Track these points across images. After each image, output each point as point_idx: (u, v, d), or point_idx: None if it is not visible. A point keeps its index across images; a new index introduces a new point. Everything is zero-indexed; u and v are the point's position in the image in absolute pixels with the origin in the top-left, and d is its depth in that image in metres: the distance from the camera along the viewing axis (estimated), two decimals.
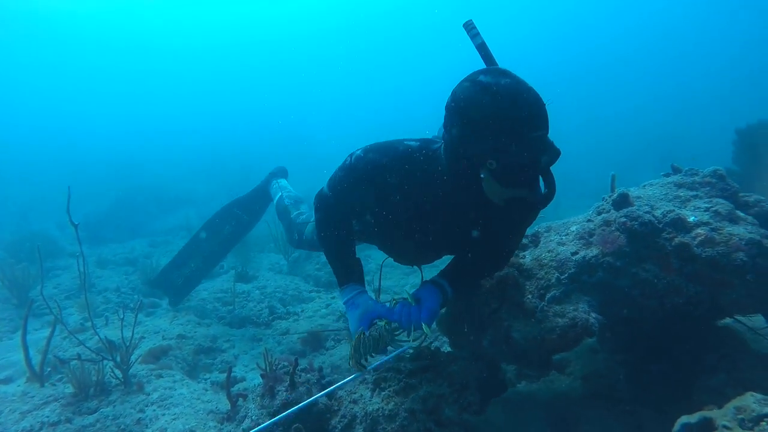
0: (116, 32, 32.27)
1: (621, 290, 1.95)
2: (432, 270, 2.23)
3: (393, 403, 1.88)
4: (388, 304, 1.83)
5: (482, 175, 1.45)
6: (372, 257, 5.27)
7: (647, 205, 2.10)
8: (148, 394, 2.41)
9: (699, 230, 1.89)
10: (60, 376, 2.64)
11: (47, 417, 2.17)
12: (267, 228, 5.91)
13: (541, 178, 1.49)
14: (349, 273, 1.86)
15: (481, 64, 1.66)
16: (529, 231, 2.46)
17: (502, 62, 1.70)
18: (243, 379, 2.95)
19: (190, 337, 3.40)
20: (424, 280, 2.25)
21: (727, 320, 2.28)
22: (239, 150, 17.98)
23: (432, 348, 2.14)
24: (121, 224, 8.51)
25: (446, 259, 2.15)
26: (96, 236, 7.35)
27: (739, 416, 1.35)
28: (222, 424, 2.21)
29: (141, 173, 13.82)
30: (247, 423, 1.93)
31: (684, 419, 1.44)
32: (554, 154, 1.41)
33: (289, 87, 41.45)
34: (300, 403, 1.90)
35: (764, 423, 1.31)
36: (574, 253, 2.08)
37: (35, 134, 26.58)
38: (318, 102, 39.91)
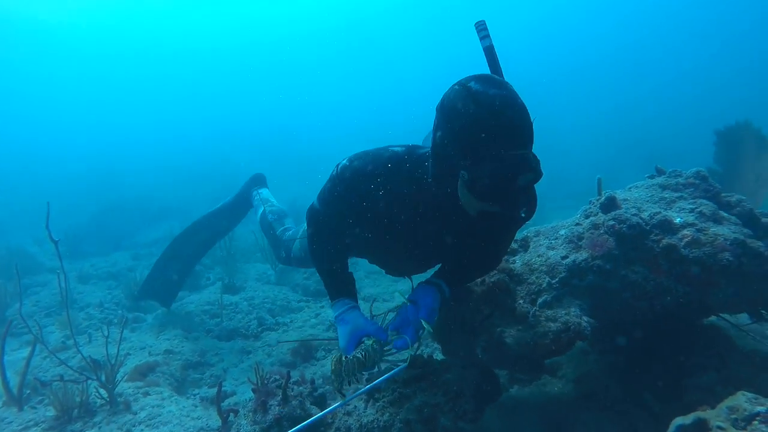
0: (91, 41, 31.82)
1: (612, 293, 1.97)
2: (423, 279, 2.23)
3: (388, 413, 1.86)
4: (384, 316, 1.80)
5: (459, 183, 1.42)
6: (359, 263, 5.24)
7: (634, 207, 2.13)
8: (136, 413, 2.35)
9: (685, 231, 1.92)
10: (40, 398, 2.55)
11: None
12: (253, 237, 5.84)
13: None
14: (340, 288, 1.84)
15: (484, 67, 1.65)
16: (518, 236, 2.47)
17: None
18: (233, 394, 2.89)
19: (177, 352, 3.32)
20: (413, 288, 2.24)
21: (713, 318, 2.33)
22: (221, 158, 17.81)
23: (425, 356, 2.13)
24: (102, 237, 8.32)
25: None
26: (76, 250, 7.16)
27: (733, 416, 1.36)
28: None
29: (121, 184, 13.54)
30: None
31: (679, 420, 1.45)
32: (535, 175, 1.33)
33: (273, 92, 41.30)
34: (292, 418, 1.88)
35: (756, 422, 1.33)
36: (564, 257, 2.09)
37: (8, 145, 25.77)
38: (303, 107, 39.81)
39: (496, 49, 1.69)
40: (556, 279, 2.03)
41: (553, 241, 2.27)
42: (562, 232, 2.30)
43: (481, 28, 1.68)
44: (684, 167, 2.54)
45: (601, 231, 2.10)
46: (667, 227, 1.98)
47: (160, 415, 2.35)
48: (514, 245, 2.43)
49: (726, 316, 2.28)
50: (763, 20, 31.10)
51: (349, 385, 1.74)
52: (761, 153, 3.44)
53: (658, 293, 1.89)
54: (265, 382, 2.17)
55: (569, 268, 2.03)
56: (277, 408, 1.95)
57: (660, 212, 2.04)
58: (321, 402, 2.13)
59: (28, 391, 2.54)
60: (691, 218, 2.00)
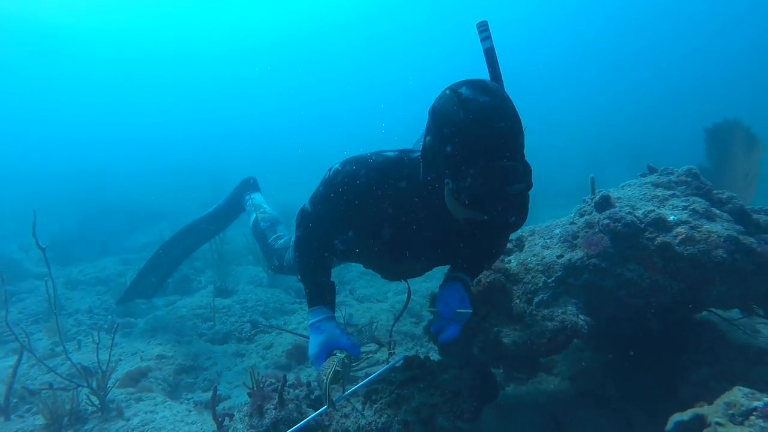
0: (79, 42, 31.30)
1: (607, 291, 1.98)
2: (418, 284, 2.22)
3: (386, 415, 1.84)
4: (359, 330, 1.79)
5: (445, 189, 1.40)
6: (352, 264, 5.22)
7: (628, 205, 2.15)
8: (128, 420, 2.30)
9: (679, 229, 1.93)
10: (28, 406, 2.49)
11: None
12: (245, 240, 5.79)
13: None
14: (321, 295, 1.81)
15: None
16: (512, 235, 2.47)
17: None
18: (228, 397, 2.85)
19: (169, 356, 3.27)
20: (409, 290, 2.23)
21: (705, 313, 2.35)
22: (211, 162, 17.66)
23: (422, 357, 2.12)
24: (90, 242, 8.18)
25: (434, 272, 2.13)
26: (64, 255, 7.03)
27: (730, 411, 1.37)
28: None
29: (109, 188, 13.34)
30: None
31: (677, 417, 1.46)
32: (524, 185, 1.29)
33: (265, 95, 41.05)
34: (289, 422, 1.85)
35: (753, 417, 1.34)
36: (559, 256, 2.10)
37: None
38: (295, 110, 39.62)
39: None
40: (552, 278, 2.03)
41: (548, 240, 2.28)
42: (557, 231, 2.31)
43: (483, 29, 1.64)
44: (669, 164, 2.57)
45: (596, 230, 2.12)
46: (661, 225, 1.99)
47: (153, 421, 2.31)
48: (509, 245, 2.43)
49: (717, 311, 2.31)
50: (750, 17, 31.60)
51: (328, 395, 1.68)
52: (750, 150, 3.49)
53: (654, 291, 1.91)
54: (261, 385, 2.14)
55: (565, 267, 2.04)
56: (273, 412, 1.92)
57: (654, 210, 2.05)
58: (318, 405, 2.11)
59: (15, 400, 2.48)
60: (684, 216, 2.01)
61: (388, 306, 4.23)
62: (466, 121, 1.25)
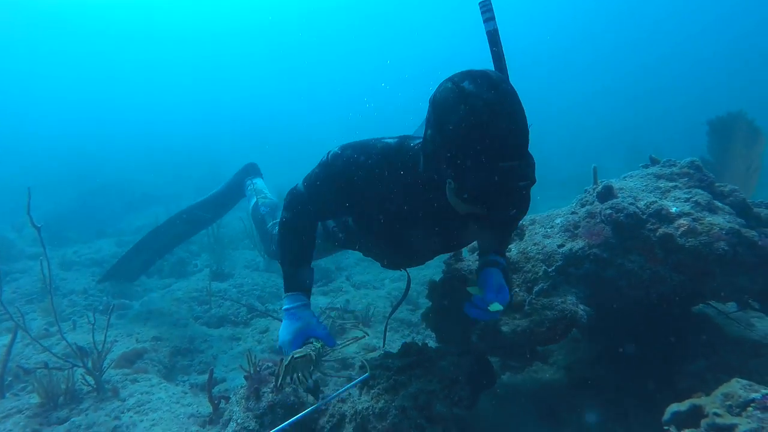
0: (74, 15, 30.56)
1: (607, 281, 1.98)
2: (416, 271, 2.19)
3: (383, 401, 1.84)
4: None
5: (447, 185, 1.37)
6: (349, 251, 5.21)
7: (630, 196, 2.13)
8: (124, 400, 2.30)
9: (681, 221, 1.92)
10: (23, 385, 2.48)
11: (10, 431, 2.03)
12: (241, 224, 5.76)
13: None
14: (300, 281, 1.77)
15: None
16: None
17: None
18: (223, 380, 2.85)
19: (165, 338, 3.26)
20: (408, 279, 2.20)
21: (701, 306, 2.36)
22: (208, 144, 17.49)
23: (420, 344, 2.12)
24: (84, 224, 8.11)
25: (433, 260, 2.11)
26: (58, 236, 6.97)
27: (728, 403, 1.38)
28: (204, 428, 2.13)
29: (102, 169, 13.16)
30: (232, 426, 1.86)
31: (674, 407, 1.47)
32: (527, 183, 1.25)
33: (262, 77, 40.58)
34: (286, 406, 1.85)
35: (751, 408, 1.34)
36: (560, 246, 2.09)
37: None
38: (291, 93, 39.18)
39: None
40: (553, 267, 2.03)
41: (548, 230, 2.27)
42: (558, 220, 2.30)
43: (486, 9, 1.56)
44: (668, 157, 2.56)
45: (598, 220, 2.11)
46: (663, 216, 1.98)
47: (149, 402, 2.31)
48: None
49: (714, 303, 2.31)
50: (749, 8, 31.30)
51: (297, 383, 1.68)
52: (753, 143, 3.48)
53: (654, 282, 1.90)
54: (258, 369, 2.14)
55: (566, 257, 2.04)
56: (270, 395, 1.92)
57: (656, 201, 2.04)
58: (314, 390, 2.10)
59: (9, 379, 2.47)
60: (686, 208, 2.01)
61: (384, 293, 4.23)
62: (469, 120, 1.19)
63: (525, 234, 2.34)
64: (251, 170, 3.67)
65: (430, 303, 2.44)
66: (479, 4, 1.58)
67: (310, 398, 2.00)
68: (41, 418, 2.12)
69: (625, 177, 2.56)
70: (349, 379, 1.87)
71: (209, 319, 3.82)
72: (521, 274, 2.09)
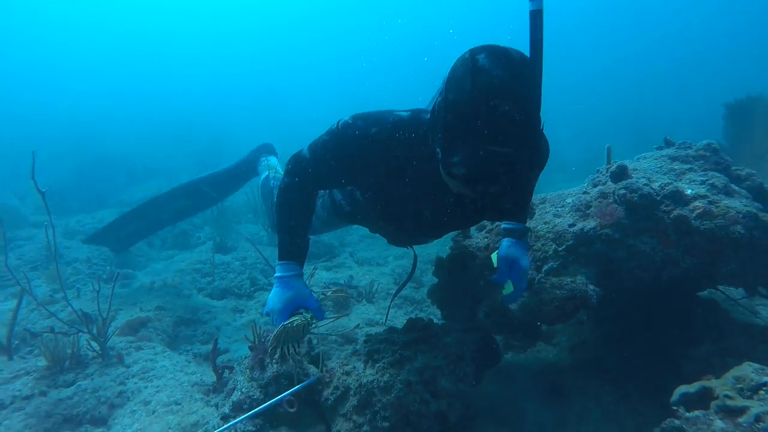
0: None
1: (618, 262, 1.95)
2: (422, 248, 2.16)
3: (388, 374, 1.84)
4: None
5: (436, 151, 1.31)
6: (353, 227, 5.19)
7: (644, 177, 2.09)
8: (129, 367, 2.31)
9: (697, 203, 1.89)
10: (29, 348, 2.50)
11: (19, 391, 2.05)
12: (245, 198, 5.73)
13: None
14: (295, 250, 1.74)
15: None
16: None
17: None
18: (226, 351, 2.87)
19: (169, 308, 3.27)
20: (415, 257, 2.16)
21: (708, 291, 2.34)
22: (208, 120, 17.27)
23: (425, 319, 2.12)
24: (86, 194, 8.10)
25: (444, 237, 2.07)
26: (61, 206, 6.97)
27: (739, 386, 1.37)
28: (208, 396, 2.14)
29: (103, 141, 13.04)
30: (236, 395, 1.87)
31: (683, 389, 1.46)
32: (524, 177, 1.19)
33: (267, 52, 39.88)
34: (288, 376, 1.85)
35: (763, 391, 1.33)
36: (571, 225, 2.06)
37: None
38: (297, 68, 38.47)
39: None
40: (563, 246, 2.00)
41: (559, 209, 2.23)
42: (569, 200, 2.26)
43: None
44: (675, 140, 2.50)
45: (610, 200, 2.07)
46: (678, 198, 1.94)
47: (153, 369, 2.32)
48: None
49: (723, 288, 2.30)
50: None
51: (288, 352, 1.68)
52: None
53: (666, 264, 1.88)
54: (263, 340, 2.14)
55: (576, 236, 2.01)
56: (275, 366, 1.92)
57: (671, 183, 2.00)
58: (318, 361, 2.11)
59: (16, 342, 2.48)
60: (702, 190, 1.97)
61: (388, 270, 4.22)
62: (470, 95, 1.13)
63: (535, 212, 2.31)
64: (266, 149, 3.61)
65: (437, 280, 2.42)
66: None
67: (313, 369, 2.00)
68: (48, 381, 2.14)
69: (638, 158, 2.51)
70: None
71: (212, 291, 3.83)
72: (530, 252, 2.07)
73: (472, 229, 2.45)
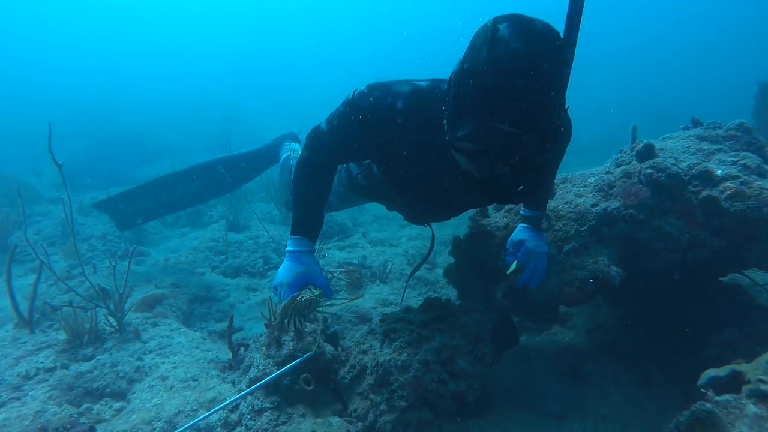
0: None
1: (642, 243, 1.90)
2: (437, 228, 2.13)
3: (405, 354, 1.83)
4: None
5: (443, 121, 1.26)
6: (366, 206, 5.15)
7: (672, 157, 2.02)
8: (145, 342, 2.33)
9: (728, 183, 1.82)
10: (50, 323, 2.53)
11: (42, 363, 2.08)
12: (258, 177, 5.71)
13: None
14: (309, 225, 1.72)
15: None
16: None
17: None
18: (241, 329, 2.89)
19: (183, 285, 3.29)
20: (433, 236, 2.13)
21: (733, 276, 2.28)
22: (221, 101, 17.18)
23: (443, 299, 2.09)
24: (100, 172, 8.16)
25: (460, 217, 2.03)
26: (74, 183, 7.04)
27: None
28: (224, 373, 2.15)
29: (116, 120, 13.09)
30: (253, 372, 1.87)
31: (711, 372, 1.42)
32: (534, 161, 1.12)
33: (278, 33, 39.35)
34: (296, 358, 1.85)
35: None
36: (594, 205, 2.00)
37: None
38: (307, 49, 37.99)
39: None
40: (585, 227, 1.95)
41: (581, 189, 2.17)
42: (592, 180, 2.20)
43: None
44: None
45: (635, 180, 2.00)
46: (707, 179, 1.88)
47: (170, 345, 2.34)
48: None
49: (748, 273, 2.23)
50: None
51: (295, 325, 1.71)
52: None
53: (693, 246, 1.82)
54: (278, 318, 2.14)
55: (599, 216, 1.95)
56: (291, 343, 1.91)
57: (700, 163, 1.93)
58: (333, 340, 2.11)
59: (37, 316, 2.51)
60: (733, 171, 1.89)
61: (401, 251, 4.20)
62: (484, 66, 1.06)
63: (556, 192, 2.25)
64: (291, 136, 3.58)
65: (454, 259, 2.39)
66: None
67: (328, 347, 2.00)
68: (69, 354, 2.17)
69: (664, 138, 2.42)
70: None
71: (226, 269, 3.85)
72: (551, 232, 2.02)
73: (490, 208, 2.40)
